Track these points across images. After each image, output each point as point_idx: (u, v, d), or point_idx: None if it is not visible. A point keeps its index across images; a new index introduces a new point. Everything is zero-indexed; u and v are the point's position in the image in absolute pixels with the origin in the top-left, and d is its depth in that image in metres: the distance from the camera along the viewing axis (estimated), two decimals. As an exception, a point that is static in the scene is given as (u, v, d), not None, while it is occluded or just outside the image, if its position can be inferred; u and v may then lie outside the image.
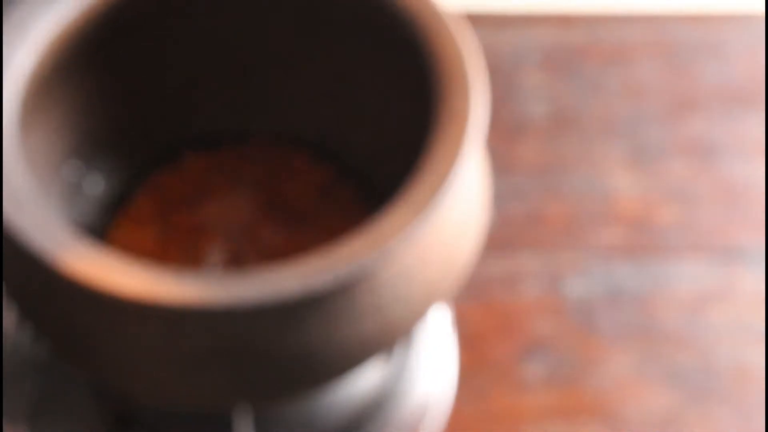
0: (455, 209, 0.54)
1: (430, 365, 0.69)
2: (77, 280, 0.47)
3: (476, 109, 0.53)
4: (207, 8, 0.64)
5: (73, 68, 0.61)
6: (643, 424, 0.70)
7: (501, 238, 0.79)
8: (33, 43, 0.56)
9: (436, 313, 0.67)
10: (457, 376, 0.72)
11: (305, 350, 0.51)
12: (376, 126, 0.65)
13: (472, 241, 0.56)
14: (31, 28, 0.56)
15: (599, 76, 0.88)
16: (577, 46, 0.90)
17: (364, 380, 0.67)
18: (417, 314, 0.54)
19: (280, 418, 0.66)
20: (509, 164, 0.83)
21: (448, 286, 0.55)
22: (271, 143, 0.69)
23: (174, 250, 0.65)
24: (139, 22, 0.62)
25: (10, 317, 0.68)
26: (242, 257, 0.64)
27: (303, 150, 0.69)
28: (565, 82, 0.87)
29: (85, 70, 0.62)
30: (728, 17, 0.91)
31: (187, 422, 0.65)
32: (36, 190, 0.61)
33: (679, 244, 0.78)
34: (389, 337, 0.53)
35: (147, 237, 0.65)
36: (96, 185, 0.67)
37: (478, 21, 0.91)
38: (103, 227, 0.66)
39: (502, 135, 0.84)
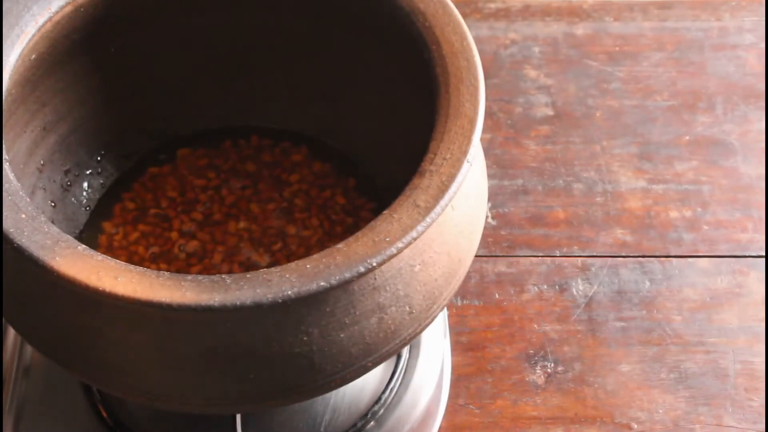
0: (457, 210, 0.54)
1: (428, 367, 0.69)
2: (72, 282, 0.47)
3: (478, 109, 0.53)
4: (208, 5, 0.64)
5: (60, 66, 0.61)
6: (649, 428, 0.70)
7: (503, 239, 0.78)
8: (18, 38, 0.56)
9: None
10: (458, 378, 0.72)
11: (305, 351, 0.50)
12: (376, 123, 0.65)
13: (473, 241, 0.56)
14: (18, 22, 0.56)
15: (604, 72, 0.88)
16: (582, 40, 0.89)
17: (363, 381, 0.67)
18: (421, 319, 0.53)
19: (278, 420, 0.66)
20: (512, 163, 0.82)
21: (448, 286, 0.54)
22: (271, 138, 0.69)
23: (169, 248, 0.64)
24: (136, 16, 0.62)
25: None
26: (240, 254, 0.64)
27: (303, 145, 0.69)
28: (569, 79, 0.87)
29: (75, 67, 0.62)
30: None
31: (181, 425, 0.65)
32: (28, 192, 0.61)
33: (685, 245, 0.78)
34: (392, 340, 0.53)
35: (141, 235, 0.65)
36: (89, 185, 0.67)
37: (481, 15, 0.91)
38: (97, 227, 0.66)
39: (505, 134, 0.84)
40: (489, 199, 0.80)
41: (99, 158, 0.67)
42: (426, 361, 0.69)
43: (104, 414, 0.66)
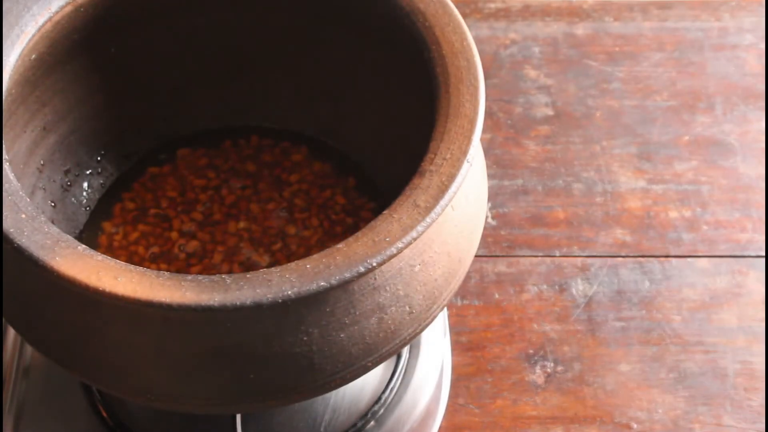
0: (457, 210, 0.54)
1: (428, 367, 0.69)
2: (72, 282, 0.47)
3: (478, 109, 0.53)
4: (208, 5, 0.64)
5: (60, 66, 0.60)
6: (649, 427, 0.70)
7: (503, 239, 0.78)
8: (18, 38, 0.56)
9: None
10: (458, 378, 0.72)
11: (305, 351, 0.50)
12: (376, 123, 0.65)
13: (473, 241, 0.56)
14: (18, 22, 0.56)
15: (604, 72, 0.88)
16: (582, 40, 0.89)
17: (363, 381, 0.67)
18: (421, 319, 0.53)
19: (278, 420, 0.66)
20: (512, 163, 0.82)
21: (448, 286, 0.54)
22: (271, 138, 0.69)
23: (169, 248, 0.64)
24: (136, 16, 0.62)
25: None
26: (240, 254, 0.64)
27: (303, 145, 0.69)
28: (569, 79, 0.87)
29: (75, 67, 0.62)
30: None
31: (181, 425, 0.65)
32: (28, 192, 0.61)
33: (685, 245, 0.78)
34: (391, 340, 0.53)
35: (141, 235, 0.65)
36: (89, 185, 0.67)
37: (481, 15, 0.91)
38: (97, 227, 0.66)
39: (505, 134, 0.84)
40: (489, 199, 0.80)
41: (99, 158, 0.67)
42: (426, 361, 0.69)
43: (104, 414, 0.66)
